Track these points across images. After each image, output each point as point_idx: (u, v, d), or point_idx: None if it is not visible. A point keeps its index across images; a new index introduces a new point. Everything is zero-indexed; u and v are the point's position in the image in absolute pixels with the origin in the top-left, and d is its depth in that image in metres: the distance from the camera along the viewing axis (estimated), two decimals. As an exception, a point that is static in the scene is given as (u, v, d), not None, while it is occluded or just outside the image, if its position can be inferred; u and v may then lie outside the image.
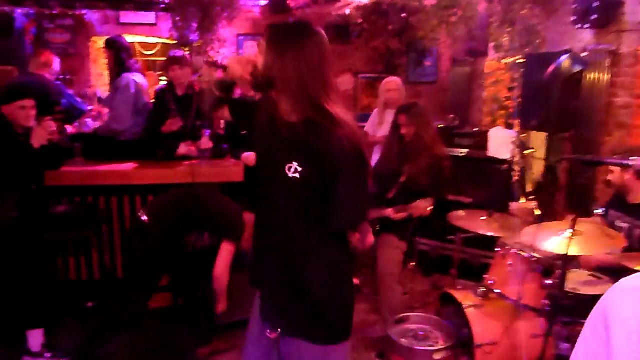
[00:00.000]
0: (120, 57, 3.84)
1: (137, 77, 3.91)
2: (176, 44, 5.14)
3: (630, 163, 1.72)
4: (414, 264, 4.59)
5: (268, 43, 1.58)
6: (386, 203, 3.21)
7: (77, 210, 3.34)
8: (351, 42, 6.06)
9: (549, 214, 4.38)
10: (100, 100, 5.12)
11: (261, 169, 1.73)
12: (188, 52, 5.04)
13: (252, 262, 1.76)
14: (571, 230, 2.18)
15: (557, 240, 2.26)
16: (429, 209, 3.02)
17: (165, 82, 3.97)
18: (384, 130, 4.38)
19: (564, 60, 3.02)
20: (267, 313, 1.71)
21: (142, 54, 6.31)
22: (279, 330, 1.66)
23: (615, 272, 2.61)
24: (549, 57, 3.72)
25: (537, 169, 4.99)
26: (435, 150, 3.15)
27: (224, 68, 1.99)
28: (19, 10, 5.42)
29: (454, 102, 6.14)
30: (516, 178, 5.13)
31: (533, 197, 4.99)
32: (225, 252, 2.81)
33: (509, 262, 2.63)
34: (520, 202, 5.14)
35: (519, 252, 2.61)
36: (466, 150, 4.50)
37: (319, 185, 1.54)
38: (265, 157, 1.72)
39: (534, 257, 2.58)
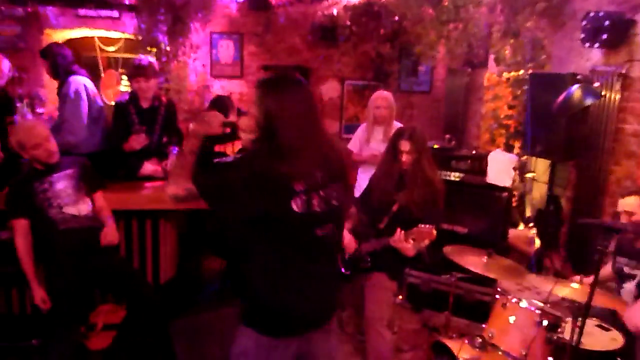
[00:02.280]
0: (56, 63, 3.75)
1: (86, 81, 3.84)
2: (141, 41, 5.03)
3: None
4: (403, 298, 4.58)
5: (258, 95, 1.85)
6: (377, 234, 3.20)
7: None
8: (338, 45, 6.05)
9: (551, 246, 4.44)
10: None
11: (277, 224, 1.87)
12: (155, 57, 4.95)
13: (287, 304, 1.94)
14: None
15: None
16: (434, 232, 2.95)
17: (128, 93, 3.89)
18: (371, 148, 4.38)
19: (575, 91, 3.05)
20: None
21: (102, 49, 6.18)
22: None
23: (619, 322, 2.64)
24: (556, 79, 3.76)
25: (538, 193, 5.05)
26: (434, 181, 3.15)
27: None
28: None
29: (449, 115, 6.19)
30: (515, 203, 5.20)
31: (532, 224, 5.08)
32: None
33: (511, 315, 2.62)
34: (519, 228, 5.23)
35: (522, 303, 2.61)
36: (462, 175, 4.52)
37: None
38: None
39: (540, 309, 2.58)
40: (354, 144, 4.51)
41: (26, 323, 3.52)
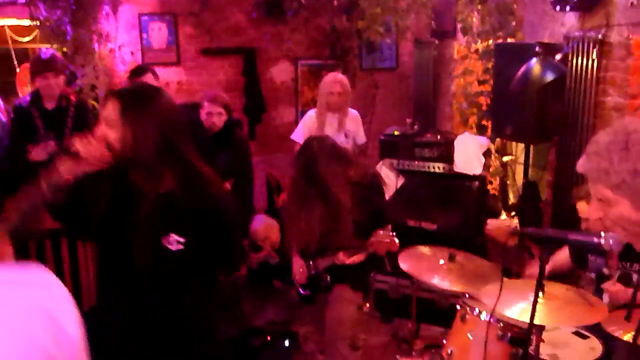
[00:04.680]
0: None
1: None
2: (51, 34, 4.89)
3: (601, 241, 1.66)
4: (369, 306, 4.54)
5: (121, 112, 1.85)
6: (334, 248, 3.16)
7: None
8: (287, 21, 5.95)
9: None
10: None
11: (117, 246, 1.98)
12: (64, 49, 4.82)
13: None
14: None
15: (522, 307, 2.21)
16: (396, 240, 2.98)
17: (28, 95, 3.77)
18: None
19: (533, 66, 2.99)
20: None
21: (15, 40, 5.98)
22: None
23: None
24: (523, 49, 3.69)
25: (520, 177, 5.02)
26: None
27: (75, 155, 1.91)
28: None
29: (419, 93, 6.12)
30: (494, 190, 5.16)
31: (514, 212, 5.05)
32: None
33: (471, 329, 2.59)
34: (502, 218, 5.20)
35: (481, 316, 2.57)
36: (427, 164, 4.51)
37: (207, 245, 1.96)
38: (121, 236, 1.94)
39: (502, 321, 2.53)
40: (300, 134, 4.43)
41: None
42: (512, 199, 5.23)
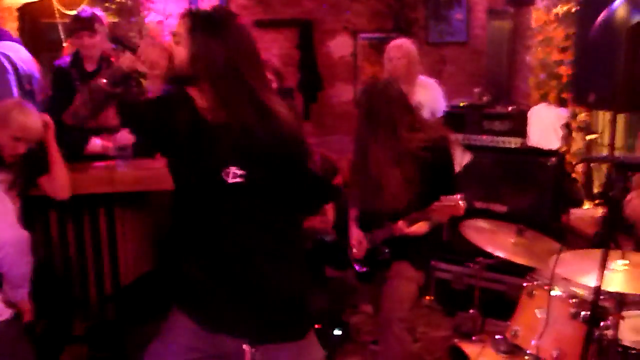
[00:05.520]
0: None
1: (11, 47, 3.81)
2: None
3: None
4: (431, 298, 4.46)
5: (189, 30, 1.93)
6: (394, 217, 3.08)
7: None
8: (346, -10, 5.92)
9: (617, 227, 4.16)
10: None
11: (185, 177, 2.04)
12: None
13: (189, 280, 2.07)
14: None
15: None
16: (461, 203, 2.89)
17: (68, 55, 3.84)
18: None
19: (618, 7, 2.76)
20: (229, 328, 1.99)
21: (63, 14, 6.16)
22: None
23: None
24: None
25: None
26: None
27: (134, 50, 2.14)
28: None
29: (492, 69, 5.92)
30: (575, 175, 4.90)
31: (600, 201, 4.78)
32: None
33: (539, 306, 2.49)
34: (585, 207, 4.94)
35: (552, 290, 2.44)
36: (499, 139, 4.35)
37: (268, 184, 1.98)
38: (190, 165, 1.99)
39: (575, 297, 2.40)
40: None
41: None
42: (597, 186, 4.98)
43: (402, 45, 4.26)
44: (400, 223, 3.00)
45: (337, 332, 3.99)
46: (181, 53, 1.95)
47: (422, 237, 3.09)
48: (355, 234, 3.25)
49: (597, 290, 1.91)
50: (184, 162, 2.01)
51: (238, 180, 1.90)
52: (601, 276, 1.82)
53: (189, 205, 2.04)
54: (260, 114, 1.94)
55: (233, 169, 1.89)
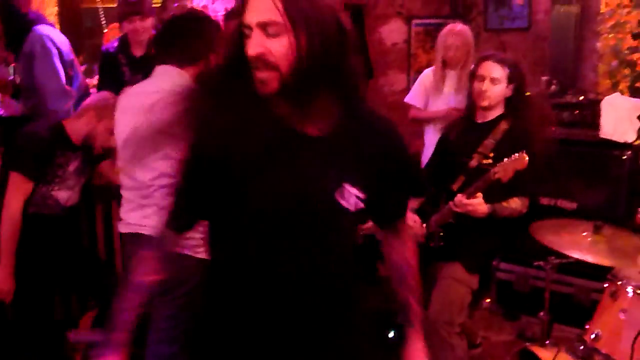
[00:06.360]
0: (9, 12, 3.76)
1: (52, 31, 3.90)
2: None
3: None
4: (491, 300, 4.46)
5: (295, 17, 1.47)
6: (448, 197, 3.13)
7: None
8: (400, -27, 5.92)
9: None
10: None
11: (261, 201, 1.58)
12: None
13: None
14: None
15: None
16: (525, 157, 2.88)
17: (116, 40, 3.91)
18: (442, 102, 4.24)
19: None
20: None
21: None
22: None
23: None
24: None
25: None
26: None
27: None
28: None
29: (556, 58, 5.86)
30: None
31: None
32: None
33: (622, 308, 2.45)
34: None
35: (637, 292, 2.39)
36: (568, 131, 4.28)
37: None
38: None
39: None
40: (416, 96, 4.41)
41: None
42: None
43: (461, 32, 4.25)
44: (459, 196, 2.98)
45: (391, 334, 4.00)
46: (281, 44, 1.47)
47: (478, 235, 3.10)
48: (411, 220, 3.19)
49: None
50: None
51: (359, 204, 1.62)
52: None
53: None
54: (362, 116, 1.71)
55: (348, 188, 1.58)
